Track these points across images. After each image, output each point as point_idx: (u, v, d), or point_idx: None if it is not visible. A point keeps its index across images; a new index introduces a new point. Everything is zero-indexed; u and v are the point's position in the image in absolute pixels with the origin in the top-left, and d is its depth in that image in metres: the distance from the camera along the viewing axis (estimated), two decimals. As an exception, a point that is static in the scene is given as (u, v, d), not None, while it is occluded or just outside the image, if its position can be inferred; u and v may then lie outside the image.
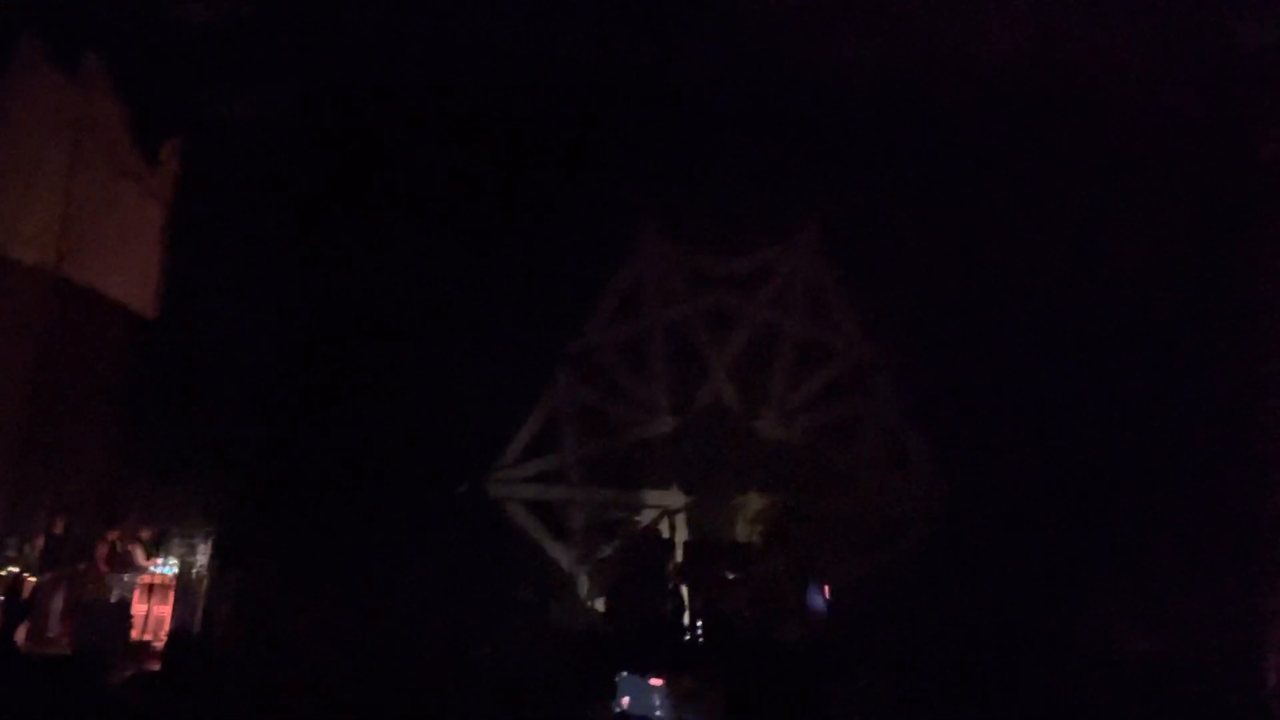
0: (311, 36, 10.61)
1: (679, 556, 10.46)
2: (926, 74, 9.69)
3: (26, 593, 9.50)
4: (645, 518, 11.26)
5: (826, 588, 6.13)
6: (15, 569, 9.55)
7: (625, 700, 4.07)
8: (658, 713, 4.12)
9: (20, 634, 9.16)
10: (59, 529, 9.83)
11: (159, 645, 9.70)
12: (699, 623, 9.89)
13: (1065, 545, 9.62)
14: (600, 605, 10.73)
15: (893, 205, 10.25)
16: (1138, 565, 9.38)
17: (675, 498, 11.23)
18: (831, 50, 9.76)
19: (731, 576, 9.99)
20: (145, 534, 10.41)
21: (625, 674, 4.10)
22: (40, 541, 9.77)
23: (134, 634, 9.90)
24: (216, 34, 10.43)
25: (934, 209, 10.26)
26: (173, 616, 10.11)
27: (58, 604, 9.78)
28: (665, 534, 11.03)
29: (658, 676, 4.28)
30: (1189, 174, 9.86)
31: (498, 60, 10.53)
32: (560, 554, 11.26)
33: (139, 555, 10.28)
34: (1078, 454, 9.82)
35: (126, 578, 10.18)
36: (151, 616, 10.27)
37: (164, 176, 10.87)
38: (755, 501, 10.96)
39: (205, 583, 10.35)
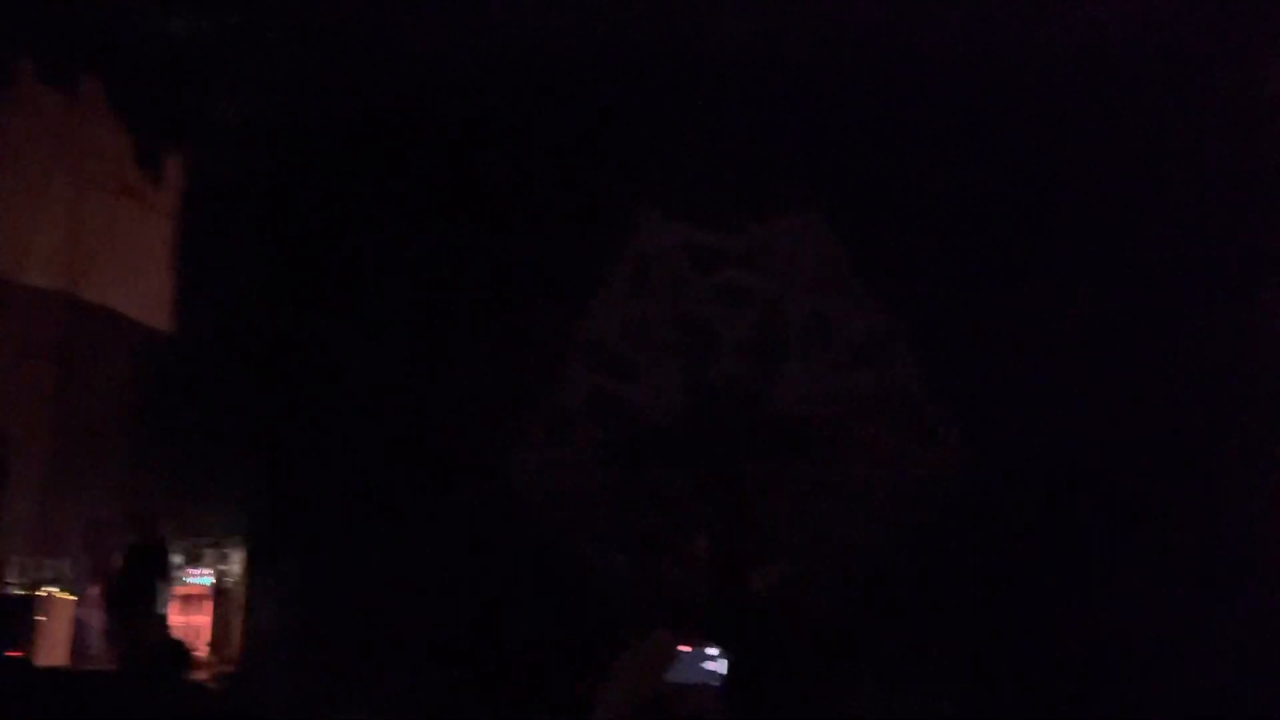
0: (304, 41, 10.59)
1: (704, 533, 10.60)
2: (929, 48, 9.68)
3: (66, 611, 9.70)
4: (665, 498, 11.37)
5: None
6: (53, 589, 9.72)
7: (681, 676, 4.18)
8: (712, 681, 4.22)
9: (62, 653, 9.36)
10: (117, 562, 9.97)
11: (200, 655, 9.90)
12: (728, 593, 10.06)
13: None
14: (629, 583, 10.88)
15: (899, 176, 10.29)
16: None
17: (694, 477, 11.32)
18: (830, 23, 9.75)
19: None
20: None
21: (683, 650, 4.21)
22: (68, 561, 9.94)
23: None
24: (205, 46, 10.43)
25: (944, 177, 10.30)
26: (213, 626, 10.31)
27: (97, 621, 9.96)
28: (689, 512, 11.14)
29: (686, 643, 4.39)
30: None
31: (492, 47, 10.48)
32: (587, 542, 11.38)
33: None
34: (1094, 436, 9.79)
35: (161, 590, 10.35)
36: (190, 626, 10.45)
37: (168, 192, 10.95)
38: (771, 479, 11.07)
39: (243, 591, 10.53)
